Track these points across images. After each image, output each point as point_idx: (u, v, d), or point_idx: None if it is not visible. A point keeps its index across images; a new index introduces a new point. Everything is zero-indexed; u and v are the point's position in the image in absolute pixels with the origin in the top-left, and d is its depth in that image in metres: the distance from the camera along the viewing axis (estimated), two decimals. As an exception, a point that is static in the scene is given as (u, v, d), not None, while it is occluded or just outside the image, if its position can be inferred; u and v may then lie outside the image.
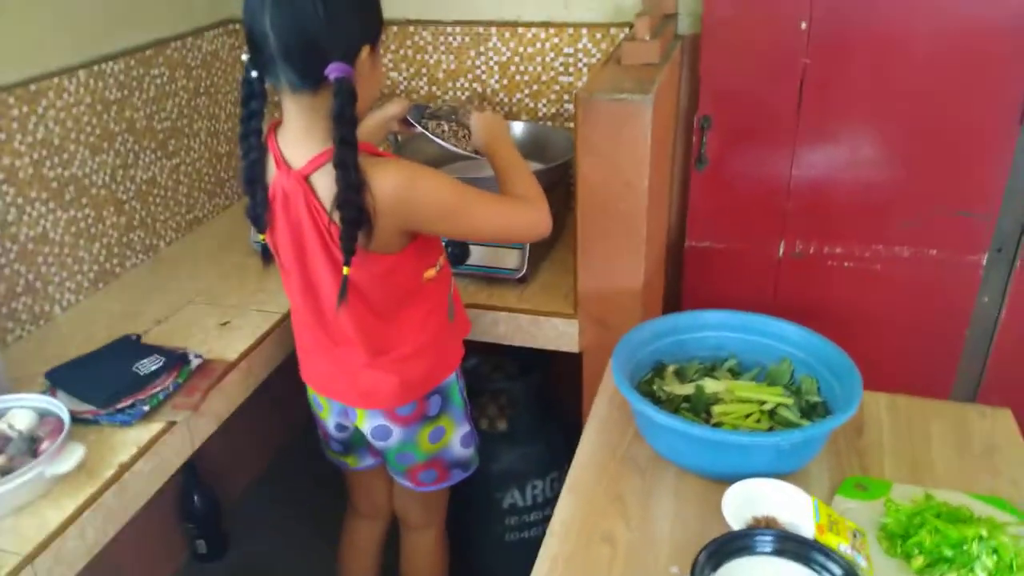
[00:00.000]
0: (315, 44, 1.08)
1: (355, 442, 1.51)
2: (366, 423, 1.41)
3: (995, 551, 0.92)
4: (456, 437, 1.47)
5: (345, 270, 1.17)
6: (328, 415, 1.46)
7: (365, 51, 1.14)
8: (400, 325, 1.32)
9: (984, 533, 0.94)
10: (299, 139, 1.17)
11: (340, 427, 1.48)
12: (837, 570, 0.89)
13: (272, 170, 1.21)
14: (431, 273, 1.32)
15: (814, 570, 0.90)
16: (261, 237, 1.29)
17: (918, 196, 1.69)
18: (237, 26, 2.09)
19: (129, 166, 1.76)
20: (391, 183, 1.14)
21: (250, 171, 1.20)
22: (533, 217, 1.30)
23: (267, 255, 1.31)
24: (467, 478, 1.55)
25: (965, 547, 0.93)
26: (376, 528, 1.71)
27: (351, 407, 1.41)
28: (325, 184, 1.16)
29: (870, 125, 1.67)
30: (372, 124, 1.50)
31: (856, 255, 1.78)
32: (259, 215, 1.23)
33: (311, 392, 1.47)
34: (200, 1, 1.97)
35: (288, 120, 1.18)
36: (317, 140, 1.16)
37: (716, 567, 0.90)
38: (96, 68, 1.65)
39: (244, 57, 1.14)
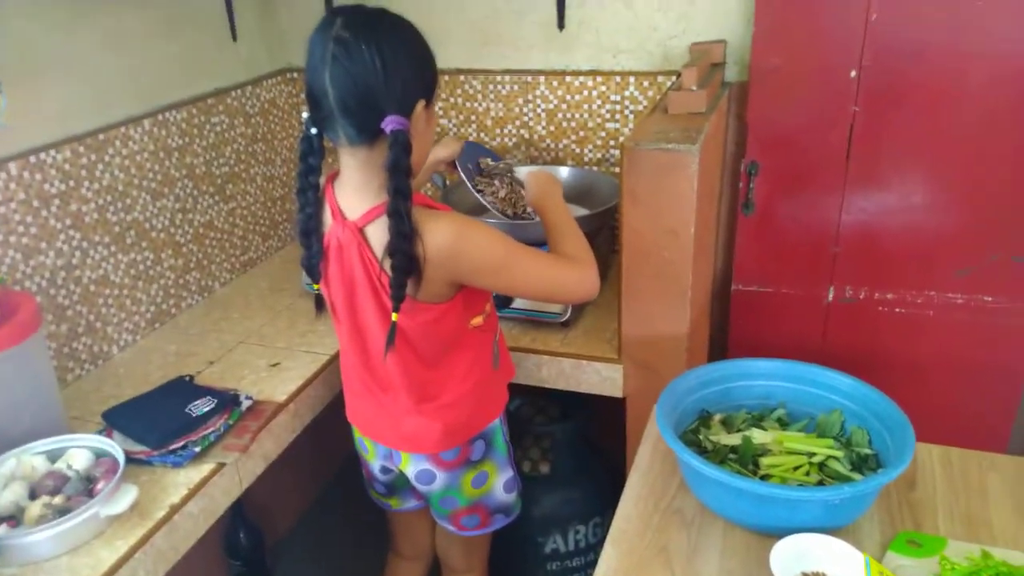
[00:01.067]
0: (372, 98, 1.12)
1: (399, 485, 1.52)
2: (410, 467, 1.42)
3: (1059, 618, 0.89)
4: (499, 482, 1.48)
5: (394, 316, 1.20)
6: (373, 457, 1.48)
7: (420, 105, 1.17)
8: (445, 372, 1.34)
9: (1047, 598, 0.90)
10: (355, 191, 1.21)
11: (384, 470, 1.49)
12: (891, 634, 0.86)
13: (328, 220, 1.25)
14: (478, 321, 1.34)
15: (866, 633, 0.87)
16: (316, 286, 1.33)
17: (973, 243, 1.66)
18: (295, 75, 2.17)
19: (188, 210, 1.83)
20: (442, 236, 1.17)
21: (306, 223, 1.24)
22: (581, 276, 1.31)
23: (320, 304, 1.34)
24: (510, 522, 1.54)
25: (1026, 613, 0.89)
26: (417, 570, 1.71)
27: (395, 450, 1.42)
28: (379, 235, 1.19)
29: (922, 171, 1.65)
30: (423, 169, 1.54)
31: (908, 301, 1.75)
32: (314, 266, 1.27)
33: (357, 434, 1.49)
34: (260, 51, 2.05)
35: (345, 172, 1.22)
36: (372, 192, 1.20)
37: (764, 627, 0.88)
38: (160, 117, 1.72)
39: (304, 115, 1.18)
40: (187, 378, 1.51)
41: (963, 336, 1.72)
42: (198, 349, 1.68)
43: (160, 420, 1.34)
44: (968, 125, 1.58)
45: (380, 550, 1.74)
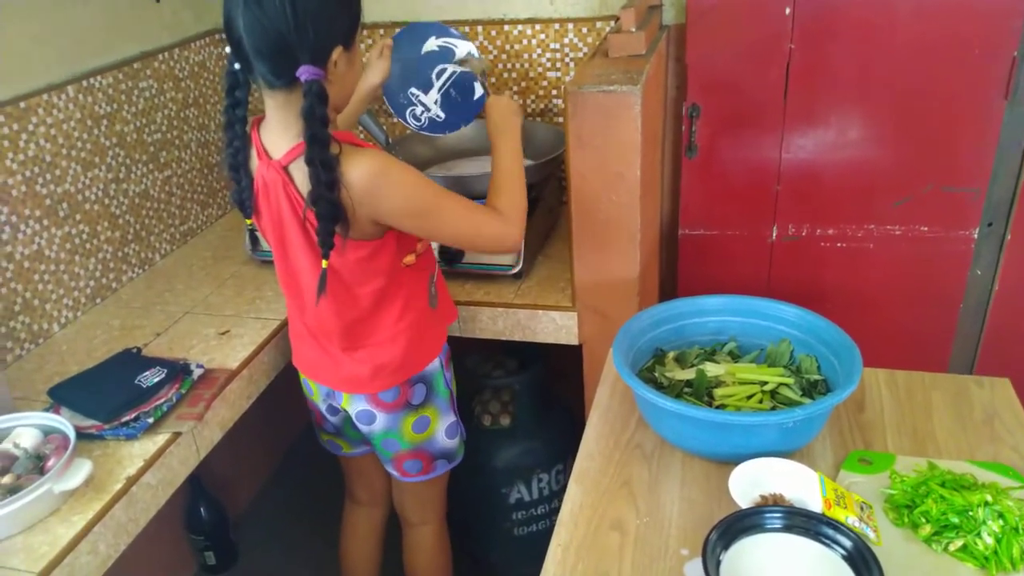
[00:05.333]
0: (284, 46, 1.11)
1: (345, 426, 1.53)
2: (351, 406, 1.44)
3: (1000, 515, 0.93)
4: (441, 428, 1.49)
5: (324, 264, 1.20)
6: (318, 398, 1.49)
7: (337, 52, 1.16)
8: (379, 311, 1.34)
9: (989, 498, 0.95)
10: (278, 131, 1.21)
11: (331, 409, 1.50)
12: (847, 543, 0.90)
13: (255, 161, 1.24)
14: (410, 259, 1.34)
15: (824, 544, 0.91)
16: (249, 222, 1.33)
17: (908, 175, 1.71)
18: (223, 35, 2.09)
19: (121, 180, 1.76)
20: (363, 171, 1.16)
21: (233, 158, 1.24)
22: (502, 232, 1.32)
23: (254, 237, 1.34)
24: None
25: (971, 513, 0.94)
26: (374, 516, 1.73)
27: (336, 391, 1.43)
28: (301, 173, 1.19)
29: (857, 107, 1.68)
30: (355, 97, 1.50)
31: (848, 235, 1.80)
32: (244, 200, 1.27)
33: (301, 376, 1.50)
34: (185, 12, 1.97)
35: (268, 113, 1.22)
36: (294, 132, 1.18)
37: (727, 545, 0.91)
38: (84, 83, 1.65)
39: (227, 49, 1.17)
40: (134, 350, 1.47)
41: (902, 266, 1.78)
42: (143, 322, 1.64)
43: (109, 393, 1.30)
44: (899, 58, 1.62)
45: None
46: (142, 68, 1.81)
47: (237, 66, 1.18)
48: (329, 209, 1.15)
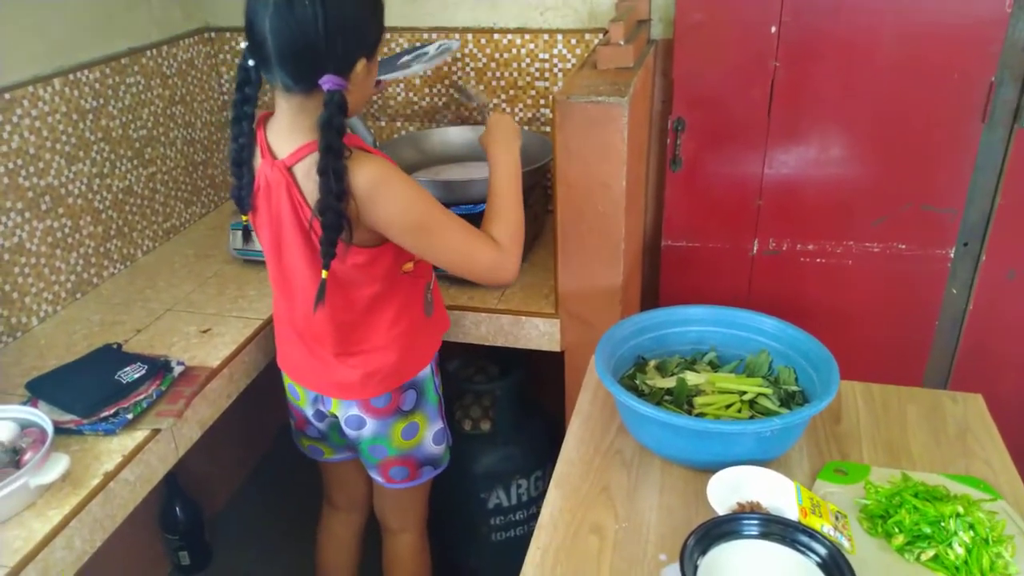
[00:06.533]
0: (312, 54, 1.11)
1: (331, 432, 1.51)
2: (340, 411, 1.43)
3: (971, 526, 0.95)
4: (429, 434, 1.49)
5: (324, 274, 1.19)
6: (305, 403, 1.47)
7: (361, 63, 1.16)
8: (374, 317, 1.34)
9: (961, 510, 0.97)
10: (286, 131, 1.21)
11: (318, 414, 1.48)
12: (822, 550, 0.91)
13: (259, 158, 1.24)
14: (409, 266, 1.34)
15: (799, 551, 0.92)
16: (244, 218, 1.31)
17: (887, 193, 1.74)
18: (213, 34, 2.10)
19: (105, 175, 1.75)
20: (366, 177, 1.16)
21: (238, 153, 1.23)
22: (497, 263, 1.28)
23: (248, 235, 1.33)
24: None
25: (943, 524, 0.96)
26: (353, 522, 1.71)
27: (326, 396, 1.43)
28: (305, 176, 1.19)
29: (839, 125, 1.72)
30: None
31: (828, 251, 1.83)
32: (244, 196, 1.26)
33: (287, 380, 1.48)
34: (175, 10, 1.97)
35: (278, 112, 1.22)
36: (303, 133, 1.19)
37: (705, 551, 0.92)
38: (71, 77, 1.64)
39: (243, 44, 1.17)
40: (115, 346, 1.46)
41: (880, 282, 1.81)
42: (124, 318, 1.62)
43: (88, 388, 1.29)
44: (880, 80, 1.65)
45: (319, 514, 1.74)
46: (130, 64, 1.80)
47: (252, 63, 1.17)
48: (335, 220, 1.14)
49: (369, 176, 1.16)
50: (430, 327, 1.45)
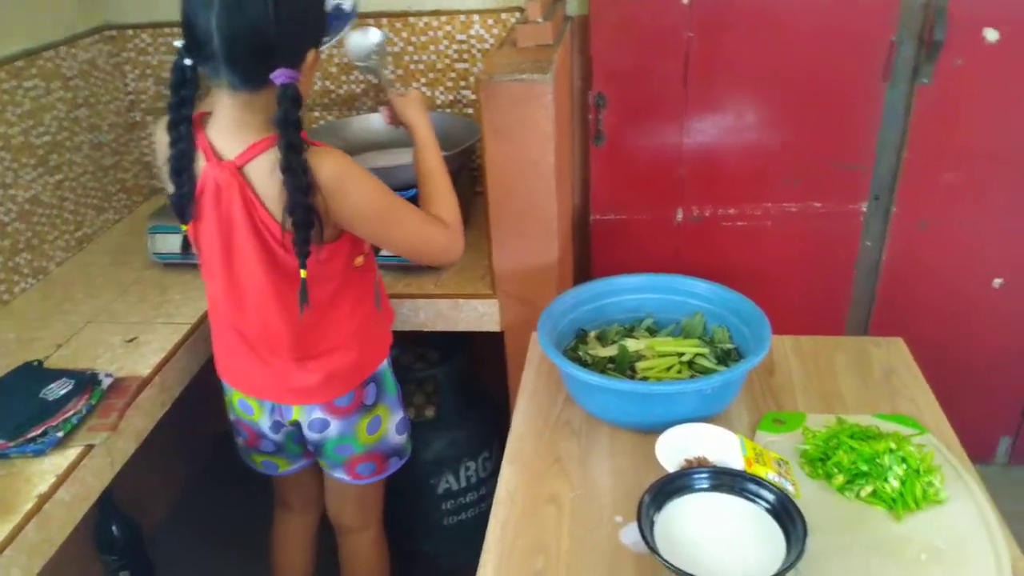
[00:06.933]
0: (263, 49, 1.07)
1: (288, 442, 1.47)
2: (303, 416, 1.39)
3: (904, 460, 1.01)
4: (392, 425, 1.48)
5: (303, 273, 1.17)
6: (260, 415, 1.42)
7: (311, 54, 1.14)
8: (329, 316, 1.31)
9: (893, 446, 1.03)
10: (231, 130, 1.16)
11: (276, 425, 1.43)
12: (769, 496, 0.95)
13: (200, 162, 1.18)
14: (360, 260, 1.32)
15: (749, 499, 0.96)
16: (183, 228, 1.24)
17: (801, 154, 1.81)
18: (114, 32, 2.01)
19: (8, 185, 1.66)
20: (329, 170, 1.14)
21: (178, 160, 1.16)
22: (450, 243, 1.31)
23: (186, 244, 1.26)
24: (401, 469, 1.54)
25: (878, 460, 1.01)
26: (308, 522, 1.68)
27: (285, 405, 1.38)
28: (260, 175, 1.15)
29: (752, 91, 1.77)
30: None
31: (748, 214, 1.89)
32: (184, 205, 1.19)
33: (236, 396, 1.43)
34: (69, 9, 1.87)
35: (221, 112, 1.16)
36: (251, 132, 1.15)
37: (660, 507, 0.95)
38: (-39, 83, 1.55)
39: (177, 43, 1.11)
40: (35, 363, 1.39)
41: (799, 240, 1.88)
42: (41, 334, 1.55)
43: (12, 409, 1.23)
44: (789, 46, 1.71)
45: (265, 522, 1.69)
46: (26, 67, 1.71)
47: (188, 62, 1.10)
48: (306, 216, 1.12)
49: (332, 169, 1.14)
50: (381, 319, 1.44)
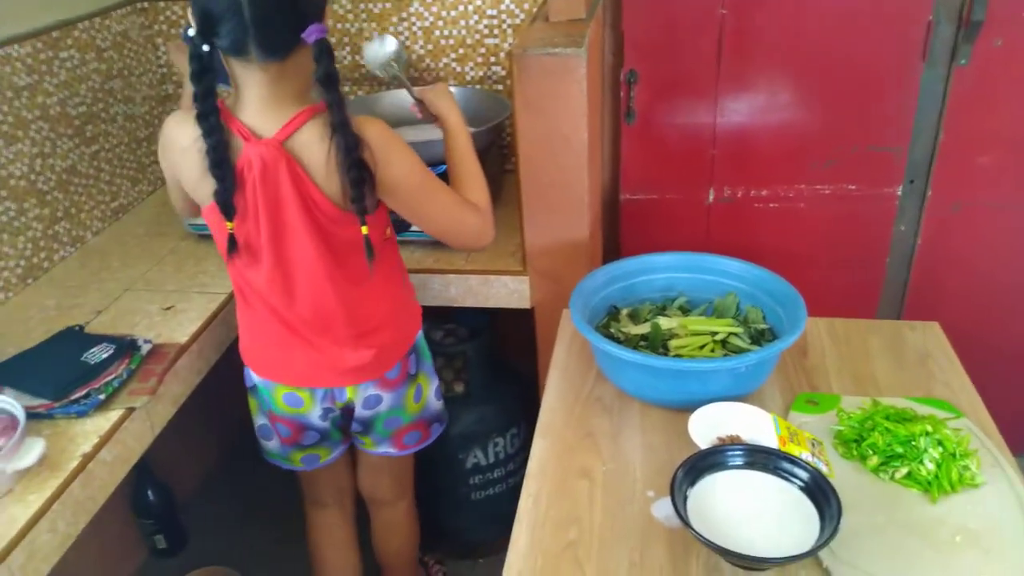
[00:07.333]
0: (293, 8, 1.07)
1: (332, 428, 1.45)
2: (358, 395, 1.39)
3: (940, 443, 1.01)
4: (431, 391, 1.50)
5: (364, 230, 1.18)
6: (312, 405, 1.39)
7: (328, 7, 1.14)
8: (375, 288, 1.32)
9: (929, 428, 1.02)
10: (266, 109, 1.14)
11: (325, 413, 1.41)
12: (803, 475, 0.95)
13: (238, 147, 1.15)
14: (389, 231, 1.33)
15: (783, 478, 0.96)
16: (230, 225, 1.19)
17: (835, 135, 1.79)
18: (146, 4, 2.02)
19: (47, 155, 1.68)
20: (375, 130, 1.16)
21: (216, 152, 1.12)
22: (482, 227, 1.30)
23: (233, 245, 1.21)
24: (430, 444, 1.56)
25: (914, 443, 1.01)
26: (346, 517, 1.65)
27: (339, 388, 1.37)
28: (307, 146, 1.14)
29: (786, 71, 1.75)
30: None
31: (780, 196, 1.87)
32: (229, 200, 1.16)
33: (282, 392, 1.38)
34: (103, -21, 1.88)
35: (249, 93, 1.14)
36: (287, 106, 1.14)
37: (693, 482, 0.95)
38: (1, 52, 1.56)
39: (190, 31, 1.08)
40: (76, 328, 1.42)
41: (831, 223, 1.87)
42: (81, 300, 1.58)
43: (56, 371, 1.26)
44: (824, 24, 1.69)
45: (296, 496, 1.70)
46: (62, 37, 1.72)
47: (206, 48, 1.07)
48: (362, 171, 1.13)
49: (378, 132, 1.16)
50: (410, 290, 1.46)
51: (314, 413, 1.40)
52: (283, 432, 1.45)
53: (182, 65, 1.29)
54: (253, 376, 1.42)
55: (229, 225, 1.19)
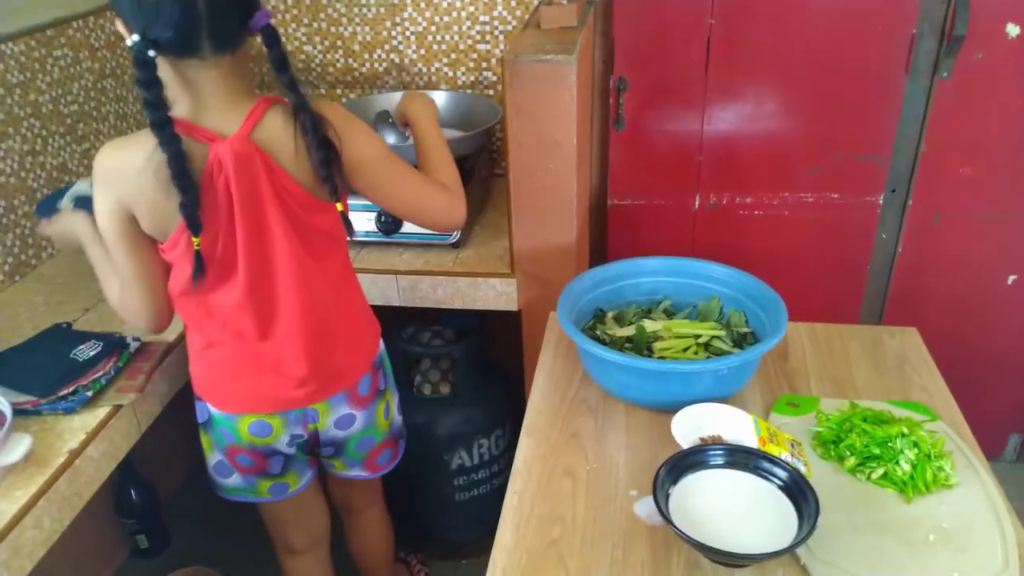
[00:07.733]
0: None
1: (298, 453, 1.38)
2: (329, 416, 1.33)
3: (915, 444, 1.03)
4: (395, 406, 1.48)
5: (339, 207, 1.19)
6: (281, 432, 1.31)
7: None
8: (342, 287, 1.31)
9: (905, 430, 1.05)
10: (225, 107, 1.11)
11: (293, 440, 1.34)
12: (782, 474, 0.97)
13: (199, 153, 1.09)
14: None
15: (762, 477, 0.98)
16: (196, 241, 1.10)
17: (819, 144, 1.82)
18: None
19: (38, 152, 1.69)
20: (331, 112, 1.17)
21: (177, 161, 1.04)
22: (451, 205, 1.29)
23: (201, 265, 1.13)
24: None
25: (890, 444, 1.03)
26: (319, 560, 1.58)
27: (310, 407, 1.31)
28: (272, 134, 1.13)
29: (772, 80, 1.78)
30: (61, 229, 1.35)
31: (765, 203, 1.90)
32: (195, 213, 1.08)
33: (248, 421, 1.29)
34: (97, -21, 1.89)
35: (204, 91, 1.09)
36: (243, 101, 1.12)
37: (675, 481, 0.97)
38: (-5, 50, 1.57)
39: (132, 39, 1.00)
40: (64, 325, 1.42)
41: (815, 230, 1.90)
42: (69, 298, 1.58)
43: (44, 368, 1.26)
44: (810, 35, 1.72)
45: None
46: (56, 36, 1.73)
47: (152, 53, 1.00)
48: (331, 149, 1.14)
49: (335, 111, 1.18)
50: (361, 290, 1.41)
51: (282, 440, 1.32)
52: (244, 463, 1.35)
53: (70, 229, 1.31)
54: (209, 409, 1.32)
55: (196, 241, 1.11)
